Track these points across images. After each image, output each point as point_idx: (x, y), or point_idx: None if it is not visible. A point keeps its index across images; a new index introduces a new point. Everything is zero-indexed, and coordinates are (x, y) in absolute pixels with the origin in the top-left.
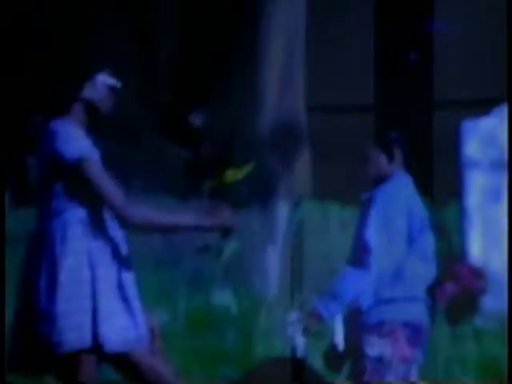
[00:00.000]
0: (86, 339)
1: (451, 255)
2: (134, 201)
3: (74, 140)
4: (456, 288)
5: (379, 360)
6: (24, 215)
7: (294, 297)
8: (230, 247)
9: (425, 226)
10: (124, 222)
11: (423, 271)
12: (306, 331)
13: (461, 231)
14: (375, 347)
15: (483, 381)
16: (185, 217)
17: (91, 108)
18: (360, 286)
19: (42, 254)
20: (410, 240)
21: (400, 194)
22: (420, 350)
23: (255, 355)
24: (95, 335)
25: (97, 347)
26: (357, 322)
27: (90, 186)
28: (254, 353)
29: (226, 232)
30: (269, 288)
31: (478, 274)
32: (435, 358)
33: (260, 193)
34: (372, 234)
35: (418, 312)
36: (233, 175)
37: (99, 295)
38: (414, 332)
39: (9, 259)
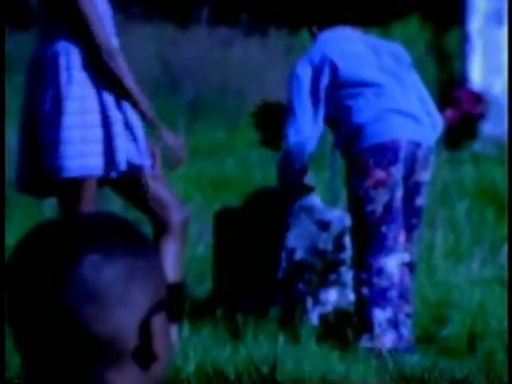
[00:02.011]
0: (88, 166)
1: (452, 81)
2: (120, 51)
3: None
4: (456, 113)
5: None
6: (24, 39)
7: None
8: None
9: None
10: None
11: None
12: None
13: (462, 56)
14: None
15: (480, 204)
16: (146, 103)
17: None
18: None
19: (46, 80)
20: None
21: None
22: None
23: (255, 182)
24: (97, 162)
25: (98, 174)
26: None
27: (82, 20)
28: (253, 179)
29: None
30: None
31: (478, 99)
32: (433, 183)
33: None
34: None
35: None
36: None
37: (103, 123)
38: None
39: (10, 83)
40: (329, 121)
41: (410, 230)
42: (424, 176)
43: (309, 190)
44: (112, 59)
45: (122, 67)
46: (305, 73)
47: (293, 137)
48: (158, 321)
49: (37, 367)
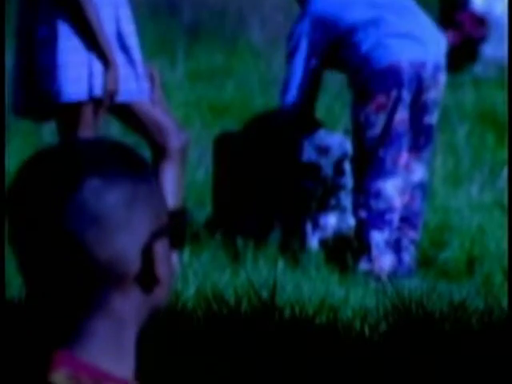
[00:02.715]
0: (86, 90)
1: (454, 4)
2: None
3: None
4: (457, 36)
5: None
6: None
7: None
8: None
9: None
10: None
11: None
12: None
13: None
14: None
15: (480, 128)
16: (111, 51)
17: None
18: None
19: (40, 4)
20: None
21: None
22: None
23: (255, 107)
24: (95, 86)
25: (97, 98)
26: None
27: None
28: (253, 105)
29: None
30: (268, 39)
31: (480, 21)
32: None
33: None
34: None
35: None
36: None
37: (102, 46)
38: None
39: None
40: (335, 62)
41: (418, 149)
42: (432, 95)
43: (316, 124)
44: None
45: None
46: (303, 29)
47: (291, 96)
48: (160, 246)
49: (39, 290)
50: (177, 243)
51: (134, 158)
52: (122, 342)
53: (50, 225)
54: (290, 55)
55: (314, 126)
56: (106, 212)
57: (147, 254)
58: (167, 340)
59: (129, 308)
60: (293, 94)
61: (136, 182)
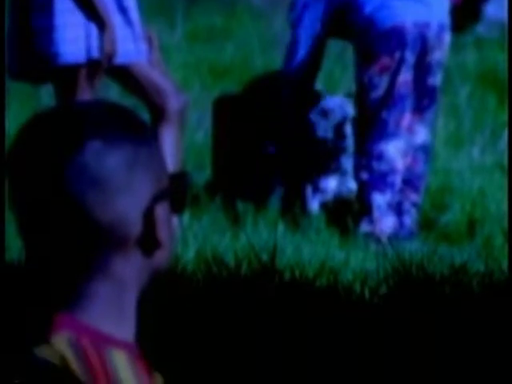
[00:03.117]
0: (84, 52)
1: None
2: None
3: None
4: None
5: None
6: None
7: None
8: None
9: None
10: None
11: None
12: None
13: None
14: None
15: (481, 90)
16: (107, 12)
17: None
18: None
19: None
20: None
21: None
22: None
23: (255, 69)
24: (92, 47)
25: (95, 60)
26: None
27: None
28: (253, 67)
29: None
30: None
31: None
32: None
33: None
34: None
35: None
36: None
37: (97, 8)
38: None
39: None
40: (338, 29)
41: (421, 111)
42: (437, 55)
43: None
44: None
45: None
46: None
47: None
48: (161, 209)
49: (39, 253)
50: (177, 207)
51: (135, 121)
52: (123, 305)
53: (51, 187)
54: (294, 23)
55: (316, 94)
56: (108, 174)
57: (148, 216)
58: (167, 303)
59: (129, 271)
60: (296, 62)
61: (137, 145)
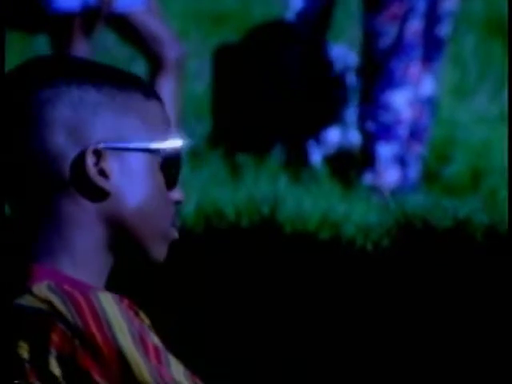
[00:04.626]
0: (79, 0)
1: None
2: None
3: None
4: None
5: None
6: None
7: None
8: None
9: None
10: None
11: None
12: None
13: None
14: None
15: (487, 39)
16: None
17: None
18: None
19: None
20: None
21: None
22: None
23: (254, 18)
24: None
25: (92, 9)
26: None
27: None
28: (253, 15)
29: None
30: None
31: None
32: None
33: None
34: None
35: None
36: None
37: None
38: None
39: None
40: None
41: (429, 61)
42: (448, 5)
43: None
44: None
45: None
46: None
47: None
48: (137, 162)
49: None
50: (169, 183)
51: (123, 73)
52: (74, 246)
53: (17, 136)
54: None
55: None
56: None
57: (88, 160)
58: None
59: (73, 210)
60: (304, 13)
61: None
